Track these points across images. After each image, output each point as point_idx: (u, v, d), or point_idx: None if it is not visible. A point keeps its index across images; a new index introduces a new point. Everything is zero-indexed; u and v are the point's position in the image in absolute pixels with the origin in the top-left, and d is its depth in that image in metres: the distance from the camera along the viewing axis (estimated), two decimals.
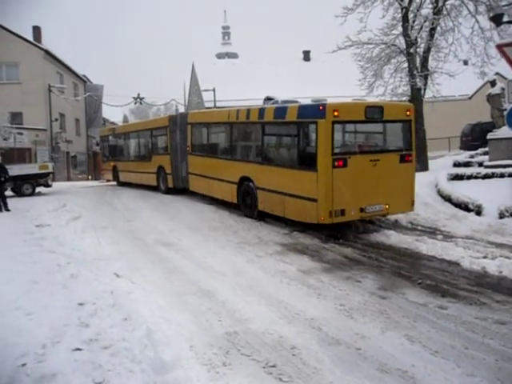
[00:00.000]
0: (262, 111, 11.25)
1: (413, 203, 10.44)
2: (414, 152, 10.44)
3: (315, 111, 9.36)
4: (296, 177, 9.90)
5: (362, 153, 9.75)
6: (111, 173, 22.58)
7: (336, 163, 9.11)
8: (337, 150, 9.26)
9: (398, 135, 10.43)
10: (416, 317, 5.31)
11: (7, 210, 13.74)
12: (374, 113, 9.64)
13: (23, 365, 4.05)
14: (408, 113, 10.21)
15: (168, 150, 16.55)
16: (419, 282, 6.58)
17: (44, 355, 4.23)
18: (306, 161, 9.56)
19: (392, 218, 11.28)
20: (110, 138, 23.25)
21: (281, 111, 10.49)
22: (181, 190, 16.03)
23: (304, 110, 9.83)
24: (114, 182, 22.55)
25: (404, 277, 6.86)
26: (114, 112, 53.48)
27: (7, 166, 15.34)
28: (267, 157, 11.13)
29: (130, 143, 20.89)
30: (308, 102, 10.85)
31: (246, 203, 11.81)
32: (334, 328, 5.03)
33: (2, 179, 14.05)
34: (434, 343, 4.61)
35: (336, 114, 9.05)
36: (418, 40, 15.96)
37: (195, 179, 14.75)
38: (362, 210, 9.53)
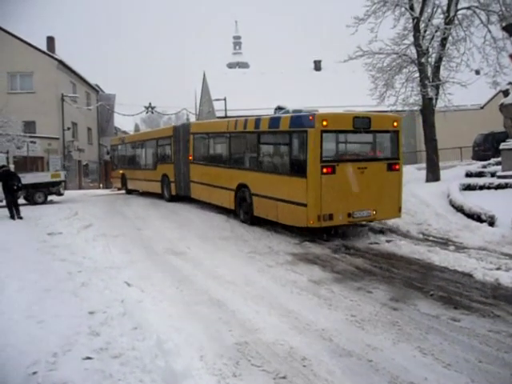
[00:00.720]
0: (257, 121, 11.76)
1: (400, 210, 10.83)
2: (401, 160, 10.83)
3: (306, 121, 9.88)
4: (288, 183, 10.39)
5: (350, 161, 10.17)
6: (120, 180, 23.12)
7: (324, 170, 9.60)
8: (325, 158, 9.71)
9: (385, 145, 10.91)
10: (428, 329, 5.23)
11: (20, 217, 13.87)
12: (362, 123, 10.10)
13: (34, 373, 4.06)
14: (395, 124, 10.62)
15: (172, 158, 17.10)
16: (431, 293, 6.50)
17: (55, 364, 4.24)
18: (297, 168, 10.08)
19: (403, 228, 11.23)
20: (119, 147, 23.84)
21: (275, 121, 11.03)
22: (183, 197, 16.43)
23: (296, 119, 10.31)
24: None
25: (416, 288, 6.79)
26: (126, 121, 53.98)
27: (20, 175, 15.49)
28: (262, 164, 11.69)
29: (138, 152, 21.47)
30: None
31: (242, 209, 12.30)
32: (345, 339, 4.98)
33: (15, 187, 14.19)
34: (447, 356, 4.54)
35: (325, 123, 9.55)
36: (430, 50, 15.91)
37: (196, 187, 15.30)
38: (349, 215, 9.97)
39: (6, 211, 14.06)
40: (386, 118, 11.04)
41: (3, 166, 15.30)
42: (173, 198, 17.07)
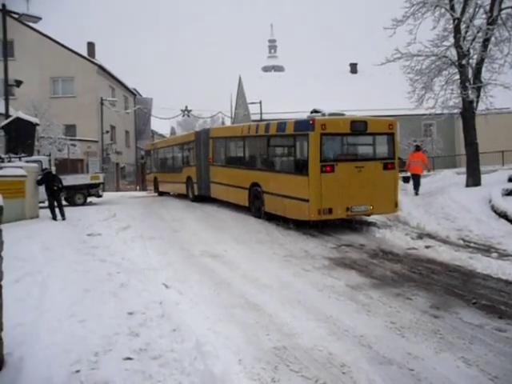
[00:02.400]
0: (267, 126, 12.99)
1: (396, 205, 11.78)
2: (397, 160, 11.73)
3: (307, 125, 10.88)
4: (293, 181, 11.51)
5: (348, 160, 11.19)
6: (153, 184, 24.43)
7: (324, 169, 10.67)
8: (325, 158, 10.76)
9: (381, 146, 11.72)
10: (472, 338, 5.07)
11: (63, 218, 14.18)
12: (359, 127, 11.18)
13: (77, 371, 4.14)
14: (391, 127, 11.56)
15: (194, 161, 18.36)
16: (474, 301, 6.30)
17: (97, 363, 4.31)
18: (300, 167, 11.20)
19: (443, 234, 10.98)
20: (152, 152, 25.16)
21: (281, 125, 12.17)
22: (204, 197, 17.66)
23: (299, 124, 11.41)
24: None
25: (457, 295, 6.59)
26: (162, 124, 54.77)
27: (61, 177, 15.88)
28: (271, 165, 12.87)
29: (167, 156, 22.81)
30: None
31: (255, 206, 13.50)
32: (384, 347, 4.88)
33: (55, 188, 14.53)
34: (492, 368, 4.38)
35: (324, 127, 10.63)
36: (471, 51, 15.47)
37: (215, 187, 16.64)
38: (348, 209, 10.98)
39: (48, 212, 14.43)
40: (382, 122, 11.80)
41: (46, 169, 15.80)
42: (196, 198, 18.29)
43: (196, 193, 18.24)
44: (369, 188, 11.07)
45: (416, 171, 16.60)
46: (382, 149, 11.68)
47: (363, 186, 10.99)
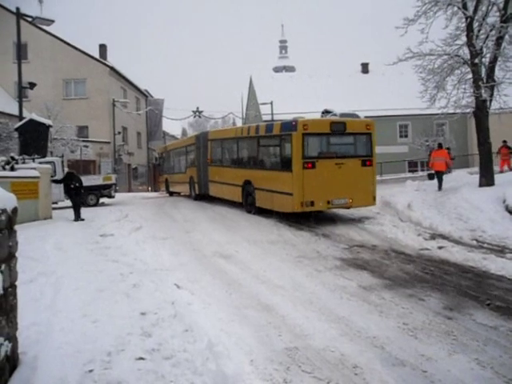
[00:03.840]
0: (257, 127, 14.15)
1: (374, 199, 12.93)
2: (374, 158, 12.80)
3: (290, 126, 11.95)
4: (279, 177, 12.58)
5: (328, 158, 12.11)
6: (164, 184, 25.83)
7: (306, 165, 11.70)
8: (307, 155, 11.78)
9: (360, 145, 12.70)
10: (486, 340, 5.01)
11: (77, 219, 14.25)
12: (338, 127, 12.20)
13: (90, 371, 4.16)
14: (368, 127, 12.61)
15: (195, 162, 19.58)
16: (488, 303, 6.22)
17: (110, 363, 4.33)
18: (285, 164, 12.25)
19: (456, 234, 10.87)
20: (163, 154, 26.44)
21: (270, 127, 13.31)
22: (205, 196, 18.76)
23: (284, 125, 12.43)
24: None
25: (471, 297, 6.52)
26: (174, 125, 54.96)
27: None
28: (261, 163, 13.97)
29: (175, 158, 23.98)
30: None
31: (247, 202, 14.59)
32: (397, 348, 4.84)
33: (72, 186, 14.62)
34: (508, 370, 4.32)
35: (305, 127, 11.68)
36: (484, 50, 15.30)
37: (213, 185, 17.72)
38: (328, 202, 12.06)
39: (63, 213, 14.54)
40: (360, 123, 12.84)
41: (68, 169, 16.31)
42: (198, 197, 19.48)
43: (197, 192, 19.44)
44: (348, 183, 12.09)
45: (439, 168, 16.97)
46: (361, 147, 12.65)
47: (343, 181, 12.02)
